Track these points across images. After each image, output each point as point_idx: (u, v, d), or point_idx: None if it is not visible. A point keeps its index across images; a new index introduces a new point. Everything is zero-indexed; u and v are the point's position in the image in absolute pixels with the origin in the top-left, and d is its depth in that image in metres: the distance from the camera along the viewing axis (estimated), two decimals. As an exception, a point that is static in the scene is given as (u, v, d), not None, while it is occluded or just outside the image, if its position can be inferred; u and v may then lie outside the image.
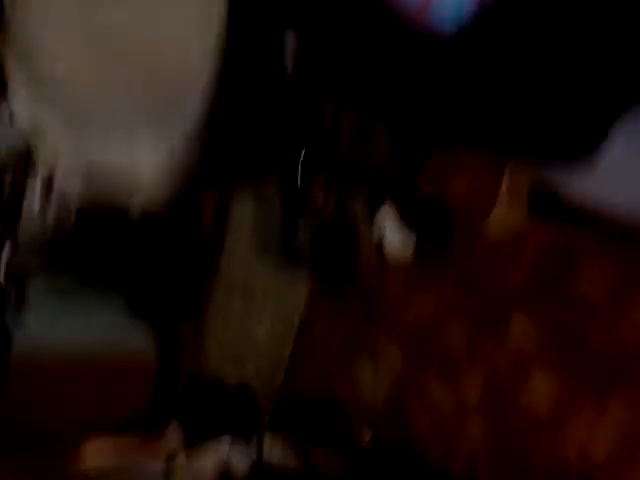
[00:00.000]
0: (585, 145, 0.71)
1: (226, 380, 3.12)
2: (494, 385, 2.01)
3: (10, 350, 3.11)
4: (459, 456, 2.08)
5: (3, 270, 3.47)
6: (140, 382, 3.32)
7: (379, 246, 2.43)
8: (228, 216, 3.36)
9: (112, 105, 0.63)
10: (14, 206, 3.75)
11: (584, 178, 0.76)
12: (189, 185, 3.55)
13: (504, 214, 1.89)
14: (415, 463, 2.26)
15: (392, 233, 2.41)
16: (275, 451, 2.98)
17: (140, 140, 0.65)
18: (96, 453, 3.17)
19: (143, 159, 0.66)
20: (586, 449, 1.69)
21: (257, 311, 3.13)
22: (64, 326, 3.24)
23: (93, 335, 3.29)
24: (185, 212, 3.76)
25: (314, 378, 2.77)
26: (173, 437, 2.98)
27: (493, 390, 2.01)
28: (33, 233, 3.92)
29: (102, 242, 4.03)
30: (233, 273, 3.34)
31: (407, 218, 2.34)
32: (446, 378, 2.17)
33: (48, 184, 2.94)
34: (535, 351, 1.91)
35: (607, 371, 1.69)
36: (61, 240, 4.08)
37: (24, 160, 3.25)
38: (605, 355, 1.70)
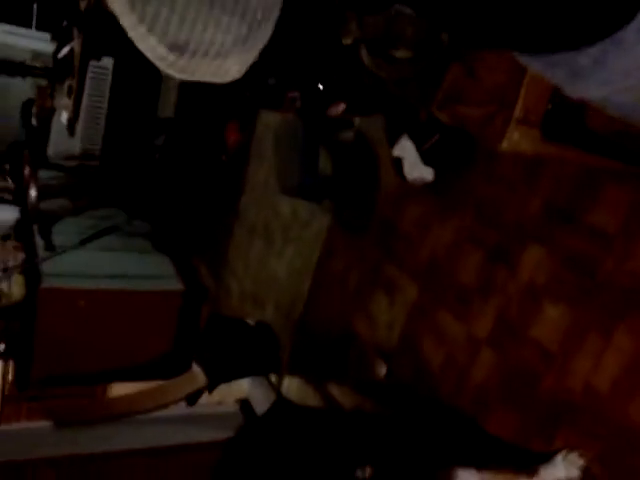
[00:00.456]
0: (606, 27, 0.64)
1: (247, 319, 3.14)
2: (505, 318, 1.95)
3: (40, 288, 3.19)
4: (469, 390, 2.04)
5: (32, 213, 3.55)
6: (164, 321, 3.38)
7: (398, 174, 2.37)
8: (249, 153, 3.33)
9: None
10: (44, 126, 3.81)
11: (599, 72, 0.69)
12: (214, 116, 3.50)
13: (518, 139, 1.80)
14: (427, 398, 2.24)
15: (411, 162, 2.34)
16: (294, 388, 3.00)
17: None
18: (122, 397, 3.24)
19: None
20: (592, 380, 1.63)
21: (277, 248, 3.12)
22: (90, 265, 3.29)
23: (119, 273, 3.34)
24: (209, 143, 3.73)
25: (332, 312, 2.76)
26: (195, 378, 3.01)
27: (504, 323, 1.95)
28: (59, 165, 3.98)
29: (126, 178, 4.07)
30: (254, 214, 3.33)
31: (423, 147, 2.27)
32: (459, 312, 2.13)
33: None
34: (547, 283, 1.84)
35: (616, 301, 1.62)
36: (86, 177, 4.12)
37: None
38: (615, 285, 1.63)
